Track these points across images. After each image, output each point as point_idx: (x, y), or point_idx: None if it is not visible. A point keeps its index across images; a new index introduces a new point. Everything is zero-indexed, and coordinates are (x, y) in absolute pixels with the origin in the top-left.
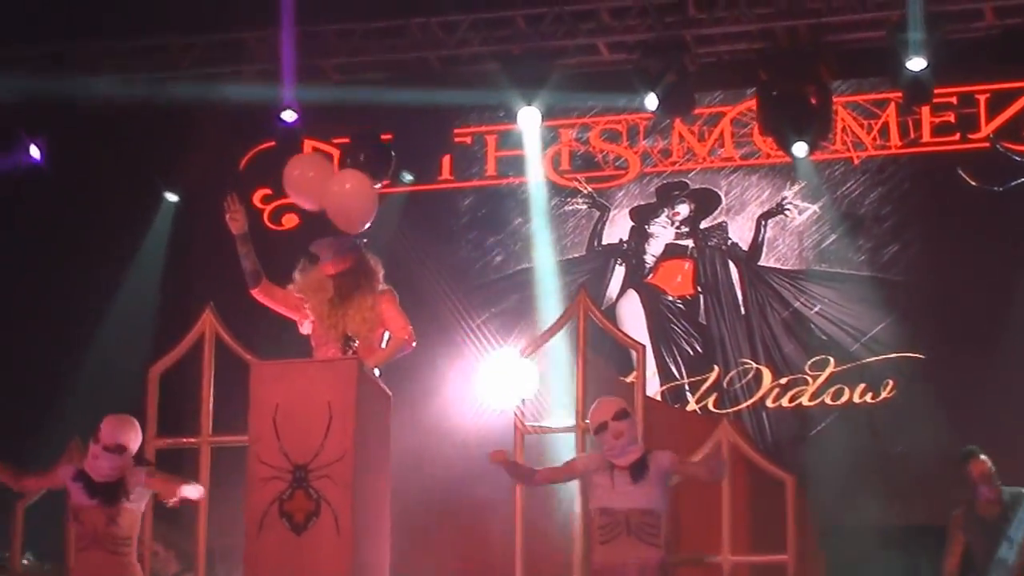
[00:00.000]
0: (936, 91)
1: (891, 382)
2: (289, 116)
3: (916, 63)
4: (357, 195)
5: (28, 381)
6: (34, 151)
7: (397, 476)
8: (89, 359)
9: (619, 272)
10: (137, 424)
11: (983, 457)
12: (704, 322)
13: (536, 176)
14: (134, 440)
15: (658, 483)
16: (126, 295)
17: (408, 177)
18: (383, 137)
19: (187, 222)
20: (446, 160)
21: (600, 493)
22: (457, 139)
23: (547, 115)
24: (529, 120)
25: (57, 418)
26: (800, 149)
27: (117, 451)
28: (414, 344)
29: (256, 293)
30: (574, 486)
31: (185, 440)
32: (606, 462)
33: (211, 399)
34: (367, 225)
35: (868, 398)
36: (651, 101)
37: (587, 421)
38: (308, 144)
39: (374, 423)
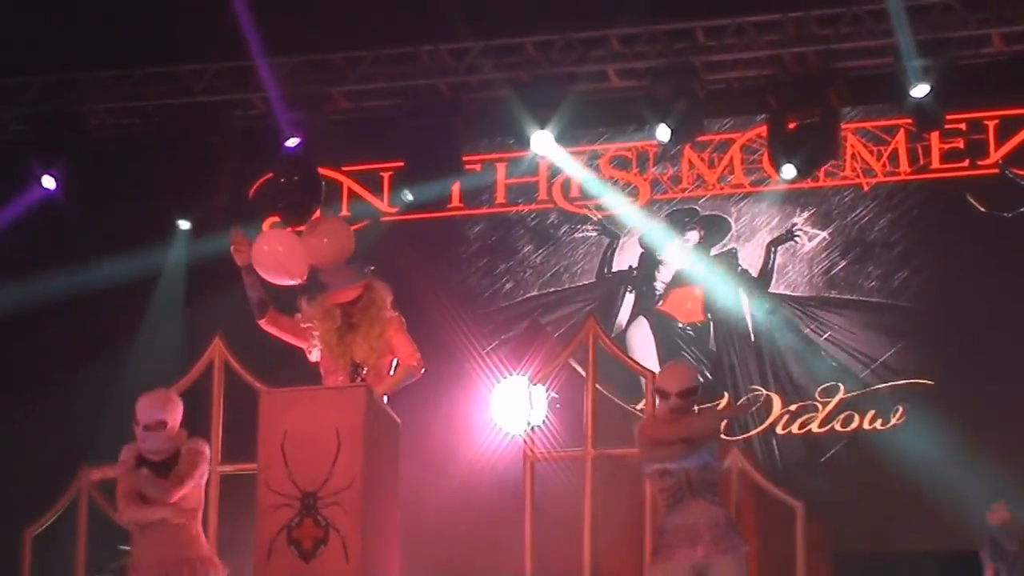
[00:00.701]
0: (948, 117)
1: (901, 409)
2: (292, 142)
3: (920, 90)
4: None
5: (63, 410)
6: (48, 182)
7: (406, 503)
8: (120, 386)
9: (629, 299)
10: (173, 396)
11: (1003, 507)
12: (714, 349)
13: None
14: (172, 412)
15: (707, 446)
16: (149, 325)
17: (409, 197)
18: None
19: (203, 248)
20: (455, 187)
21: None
22: (467, 166)
23: (557, 142)
24: (543, 143)
25: (88, 445)
26: (789, 172)
27: (158, 427)
28: (423, 371)
29: (263, 323)
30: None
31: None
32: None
33: (221, 426)
34: (349, 254)
35: (878, 425)
36: (663, 133)
37: (595, 448)
38: (321, 171)
39: (383, 450)
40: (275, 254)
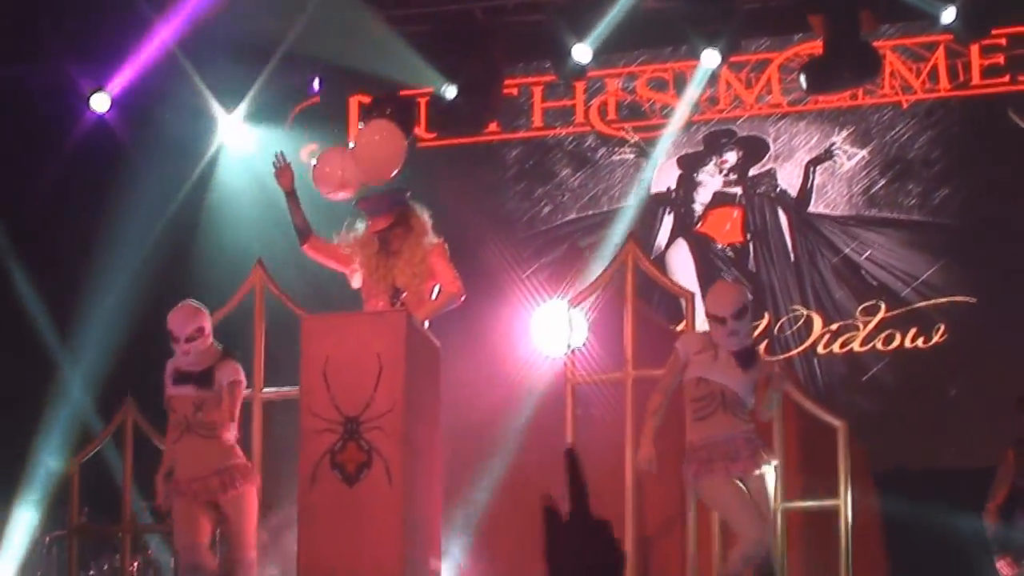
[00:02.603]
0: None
1: (942, 326)
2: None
3: (947, 14)
4: (385, 144)
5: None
6: (99, 103)
7: (447, 426)
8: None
9: (668, 221)
10: (200, 305)
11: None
12: (754, 269)
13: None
14: (203, 320)
15: (756, 381)
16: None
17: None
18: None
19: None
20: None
21: (699, 366)
22: (504, 91)
23: (594, 64)
24: (583, 53)
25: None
26: (710, 58)
27: (197, 335)
28: (463, 297)
29: (306, 249)
30: None
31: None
32: (710, 342)
33: (263, 353)
34: (395, 172)
35: (920, 343)
36: (709, 57)
37: (635, 370)
38: (353, 101)
39: (424, 374)
40: (334, 171)
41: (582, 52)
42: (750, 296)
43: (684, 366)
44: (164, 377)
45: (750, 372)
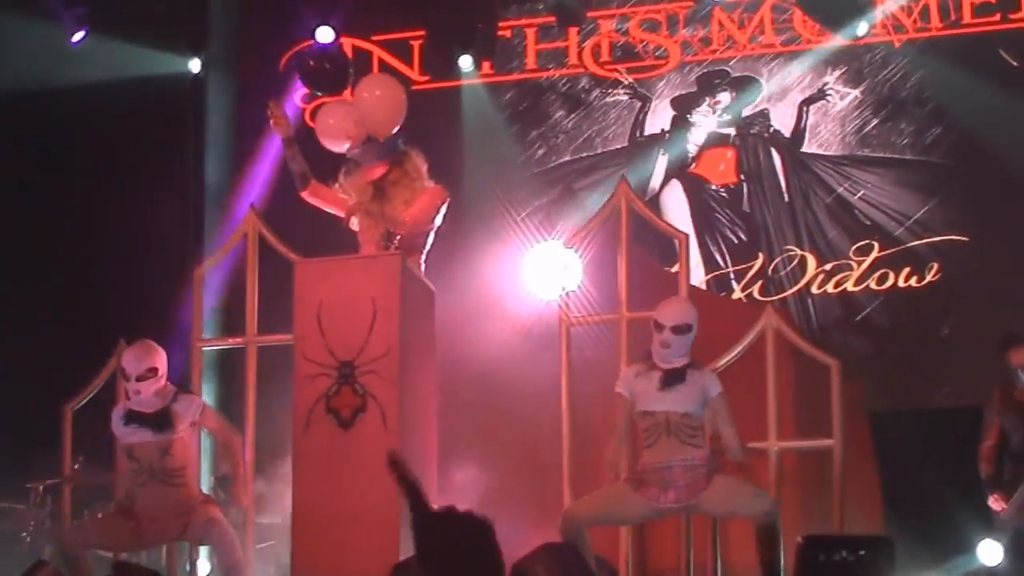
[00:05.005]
0: None
1: (936, 265)
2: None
3: None
4: (388, 98)
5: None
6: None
7: (442, 370)
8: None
9: (662, 162)
10: (156, 345)
11: (1022, 346)
12: (748, 210)
13: None
14: (159, 358)
15: (695, 393)
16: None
17: (467, 63)
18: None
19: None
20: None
21: (642, 397)
22: (497, 32)
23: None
24: None
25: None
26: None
27: (150, 375)
28: (404, 230)
29: (306, 195)
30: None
31: (231, 340)
32: (647, 366)
33: (256, 299)
34: (396, 128)
35: (913, 282)
36: None
37: (630, 311)
38: (346, 43)
39: (418, 318)
40: (338, 125)
41: None
42: (695, 319)
43: (632, 403)
44: (112, 423)
45: (676, 390)
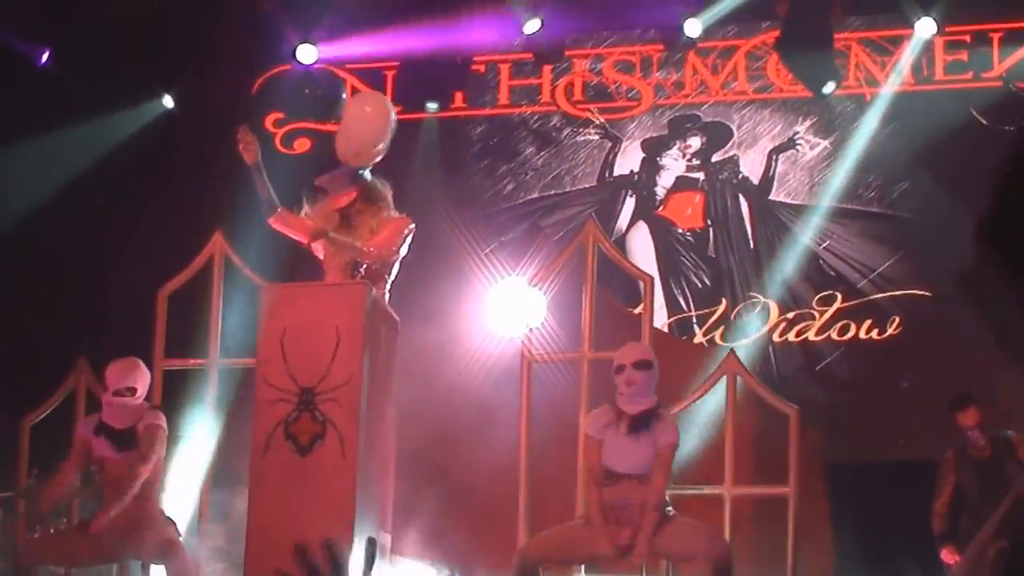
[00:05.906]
0: (949, 29)
1: (897, 319)
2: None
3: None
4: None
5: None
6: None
7: (403, 401)
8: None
9: (629, 203)
10: (141, 364)
11: (971, 407)
12: (713, 255)
13: None
14: (141, 379)
15: (651, 447)
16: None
17: (432, 106)
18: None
19: (200, 146)
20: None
21: (608, 450)
22: (471, 67)
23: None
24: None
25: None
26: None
27: (128, 393)
28: (374, 260)
29: (273, 222)
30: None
31: (193, 362)
32: (612, 414)
33: (220, 321)
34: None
35: (874, 334)
36: (692, 27)
37: (592, 351)
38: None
39: (381, 347)
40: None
41: (692, 27)
42: (654, 357)
43: (600, 443)
44: (80, 428)
45: (640, 442)
